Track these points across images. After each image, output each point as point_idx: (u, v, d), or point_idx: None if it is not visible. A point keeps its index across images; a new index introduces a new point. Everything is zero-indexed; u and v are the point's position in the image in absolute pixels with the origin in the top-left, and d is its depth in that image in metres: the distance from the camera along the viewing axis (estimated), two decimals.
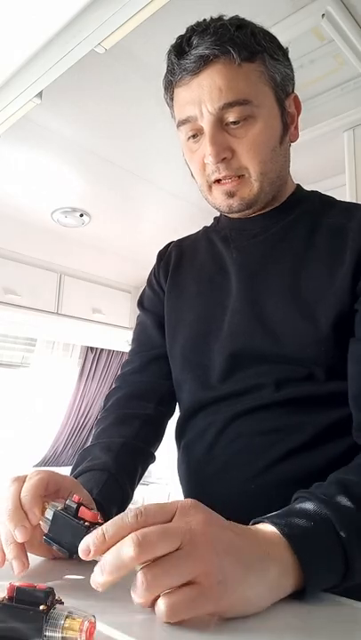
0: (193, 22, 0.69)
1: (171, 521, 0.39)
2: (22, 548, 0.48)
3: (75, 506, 0.45)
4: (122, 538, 0.38)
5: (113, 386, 0.89)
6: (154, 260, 0.94)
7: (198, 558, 0.38)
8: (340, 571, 0.44)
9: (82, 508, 0.45)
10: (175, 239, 0.95)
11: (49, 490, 0.53)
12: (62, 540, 0.45)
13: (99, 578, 0.38)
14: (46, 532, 0.47)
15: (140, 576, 0.37)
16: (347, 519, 0.46)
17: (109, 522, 0.39)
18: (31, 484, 0.50)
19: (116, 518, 0.39)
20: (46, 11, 1.04)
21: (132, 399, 0.83)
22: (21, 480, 0.52)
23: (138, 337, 0.91)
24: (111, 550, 0.38)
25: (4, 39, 1.12)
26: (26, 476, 0.53)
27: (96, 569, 0.38)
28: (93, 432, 0.81)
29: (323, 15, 1.32)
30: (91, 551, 0.39)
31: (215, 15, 0.69)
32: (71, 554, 0.44)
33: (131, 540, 0.37)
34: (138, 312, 0.94)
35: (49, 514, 0.47)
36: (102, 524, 0.41)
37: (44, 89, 1.22)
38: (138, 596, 0.37)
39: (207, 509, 0.42)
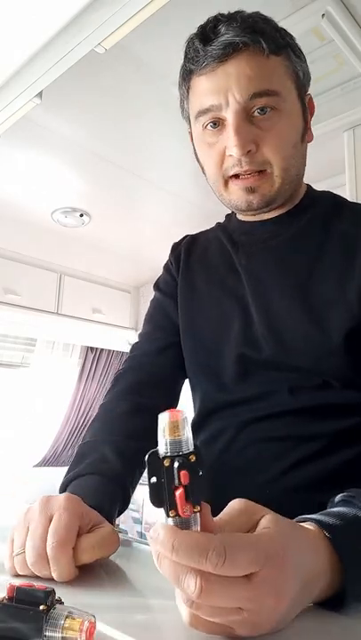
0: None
1: (250, 577, 0.33)
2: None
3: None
4: (189, 567, 0.33)
5: (124, 366, 0.86)
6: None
7: (254, 627, 0.34)
8: None
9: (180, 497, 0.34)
10: (175, 239, 0.94)
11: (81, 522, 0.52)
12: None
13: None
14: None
15: (189, 603, 0.34)
16: None
17: (187, 543, 0.33)
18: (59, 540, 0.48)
19: (194, 546, 0.32)
20: (46, 11, 1.04)
21: (147, 388, 0.80)
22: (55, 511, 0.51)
23: (154, 319, 0.88)
24: (174, 569, 0.34)
25: (4, 39, 1.12)
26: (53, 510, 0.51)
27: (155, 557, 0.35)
28: (101, 404, 0.79)
29: (323, 15, 1.32)
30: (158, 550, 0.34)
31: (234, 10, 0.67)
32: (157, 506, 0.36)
33: (193, 584, 0.33)
34: (153, 295, 0.91)
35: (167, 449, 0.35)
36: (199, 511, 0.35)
37: (44, 89, 1.22)
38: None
39: (293, 566, 0.36)
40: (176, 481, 0.34)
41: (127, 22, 1.02)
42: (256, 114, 0.65)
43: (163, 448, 0.35)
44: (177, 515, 0.34)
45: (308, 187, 0.80)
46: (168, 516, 0.34)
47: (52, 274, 3.06)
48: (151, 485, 0.35)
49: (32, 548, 0.48)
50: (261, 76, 0.63)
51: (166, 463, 0.34)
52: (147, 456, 0.35)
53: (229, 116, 0.65)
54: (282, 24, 0.69)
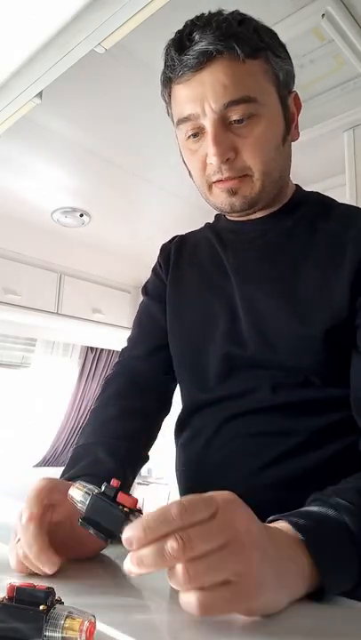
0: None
1: (214, 516, 0.37)
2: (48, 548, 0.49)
3: (113, 491, 0.44)
4: (164, 534, 0.36)
5: (113, 370, 0.86)
6: (154, 261, 0.94)
7: (243, 559, 0.37)
8: (356, 576, 0.44)
9: (120, 494, 0.43)
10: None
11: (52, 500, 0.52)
12: (100, 524, 0.43)
13: (134, 569, 0.37)
14: (83, 515, 0.45)
15: (182, 570, 0.36)
16: None
17: (152, 515, 0.37)
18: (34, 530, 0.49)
19: (159, 512, 0.37)
20: (46, 11, 1.04)
21: (136, 392, 0.81)
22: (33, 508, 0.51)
23: (142, 323, 0.89)
24: (153, 546, 0.36)
25: (4, 39, 1.12)
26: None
27: (132, 558, 0.37)
28: (92, 409, 0.80)
29: (323, 15, 1.32)
30: (133, 544, 0.37)
31: (215, 11, 0.67)
32: (108, 538, 0.43)
33: (175, 542, 0.36)
34: (141, 299, 0.92)
35: (84, 497, 0.45)
36: (141, 510, 0.41)
37: (44, 89, 1.22)
38: (176, 585, 0.37)
39: (247, 507, 0.41)
40: (113, 491, 0.44)
41: (127, 22, 1.02)
42: (234, 121, 0.65)
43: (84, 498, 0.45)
44: (130, 511, 0.42)
45: (297, 187, 0.80)
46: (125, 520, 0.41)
47: (52, 274, 3.06)
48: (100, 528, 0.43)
49: (17, 563, 0.50)
50: (237, 82, 0.63)
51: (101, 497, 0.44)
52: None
53: (207, 124, 0.65)
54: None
